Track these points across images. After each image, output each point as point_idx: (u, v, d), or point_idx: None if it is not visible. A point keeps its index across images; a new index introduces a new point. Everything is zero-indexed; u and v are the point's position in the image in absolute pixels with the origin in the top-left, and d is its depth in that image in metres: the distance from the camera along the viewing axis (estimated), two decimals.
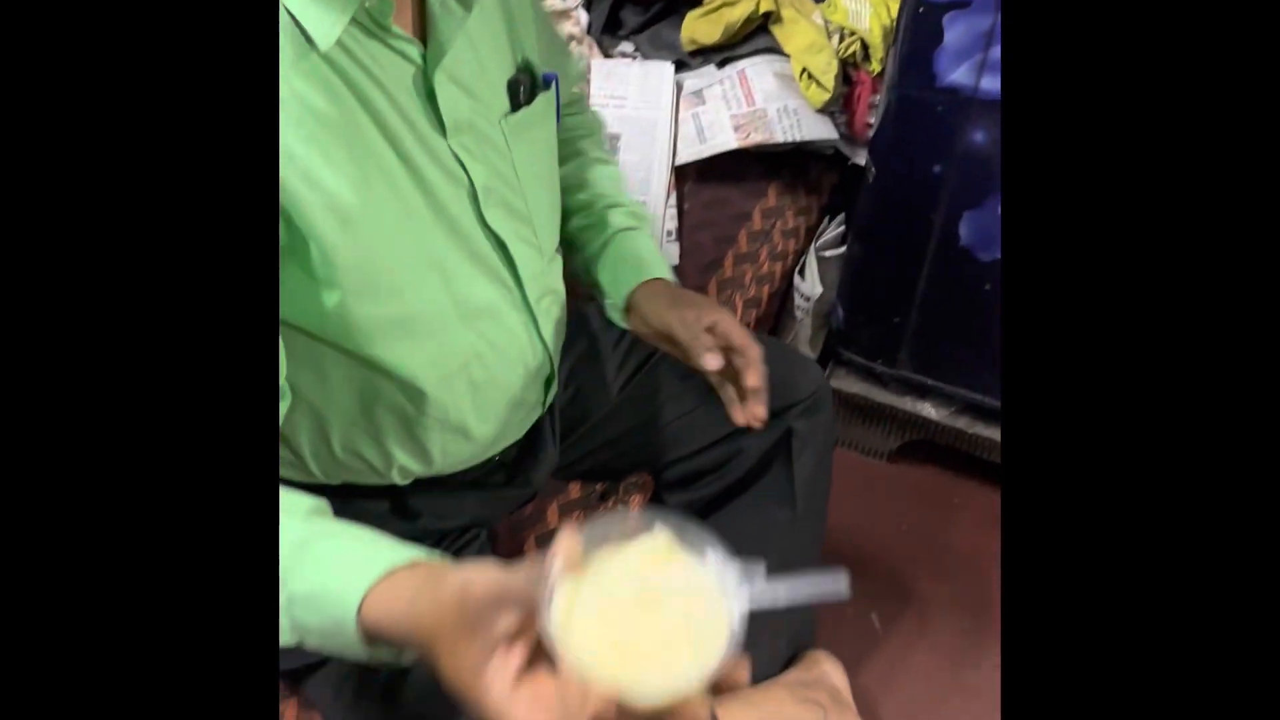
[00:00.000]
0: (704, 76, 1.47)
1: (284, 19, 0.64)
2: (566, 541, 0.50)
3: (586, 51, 1.48)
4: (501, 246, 0.82)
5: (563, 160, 1.00)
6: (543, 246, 0.89)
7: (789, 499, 1.07)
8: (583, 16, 1.53)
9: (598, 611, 0.47)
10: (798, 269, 1.49)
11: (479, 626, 0.49)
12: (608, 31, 1.56)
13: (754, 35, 1.48)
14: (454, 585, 0.52)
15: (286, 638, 0.60)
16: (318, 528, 0.62)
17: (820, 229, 1.51)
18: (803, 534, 1.09)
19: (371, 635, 0.57)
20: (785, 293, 1.49)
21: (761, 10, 1.44)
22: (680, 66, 1.49)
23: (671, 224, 1.38)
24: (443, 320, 0.79)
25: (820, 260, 1.48)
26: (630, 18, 1.56)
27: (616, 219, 1.00)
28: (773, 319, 1.51)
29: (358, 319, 0.73)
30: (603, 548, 0.49)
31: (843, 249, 1.47)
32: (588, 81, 1.44)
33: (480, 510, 0.97)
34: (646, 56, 1.51)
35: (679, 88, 1.46)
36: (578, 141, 1.04)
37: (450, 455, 0.87)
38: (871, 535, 1.53)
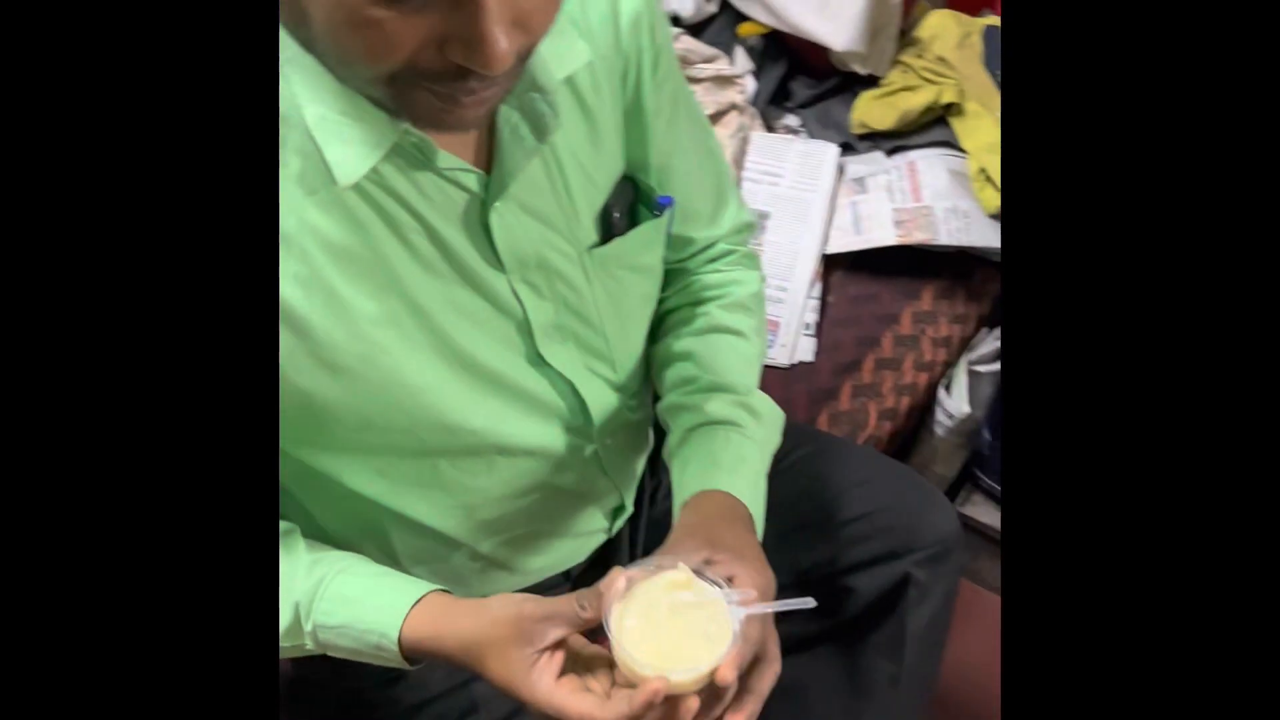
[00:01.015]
0: (870, 163, 1.37)
1: (308, 146, 0.58)
2: (616, 577, 0.62)
3: (748, 122, 1.40)
4: (566, 382, 0.75)
5: (682, 322, 0.85)
6: (623, 383, 0.80)
7: (897, 652, 0.94)
8: (750, 84, 1.45)
9: (641, 622, 0.62)
10: (944, 382, 1.36)
11: (531, 637, 0.61)
12: (774, 103, 1.47)
13: (930, 126, 1.37)
14: (508, 608, 0.62)
15: (310, 649, 0.68)
16: (326, 564, 0.68)
17: (975, 340, 1.38)
18: (907, 693, 0.96)
19: (409, 652, 0.65)
20: (926, 406, 1.37)
21: (943, 100, 1.33)
22: (845, 149, 1.40)
23: (811, 316, 1.28)
24: (470, 463, 0.73)
25: (971, 375, 1.34)
26: (800, 90, 1.47)
27: (714, 407, 0.78)
28: (909, 433, 1.38)
29: (357, 462, 0.69)
30: (641, 583, 0.63)
31: (998, 365, 1.34)
32: (739, 181, 1.36)
33: None
34: (811, 134, 1.42)
35: (841, 171, 1.36)
36: (709, 304, 0.85)
37: (491, 585, 0.81)
38: (987, 678, 1.38)
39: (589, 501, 0.84)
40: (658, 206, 0.78)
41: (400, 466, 0.71)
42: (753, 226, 0.92)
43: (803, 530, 0.95)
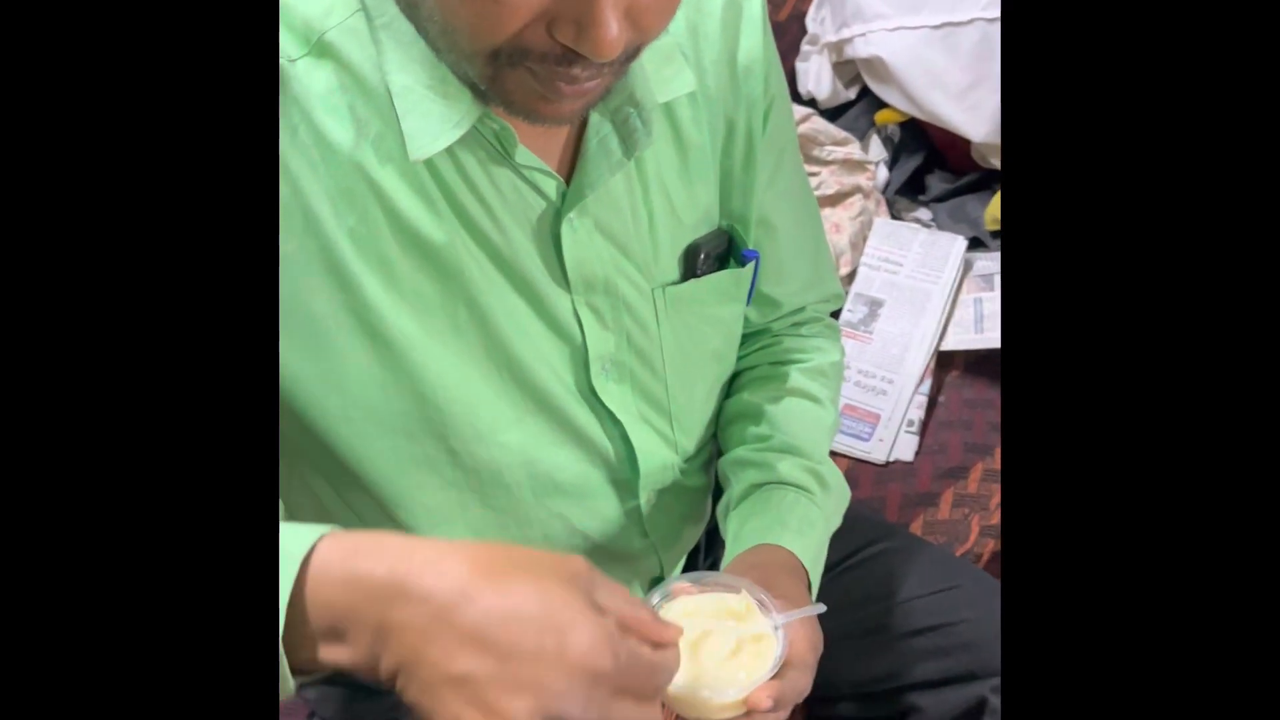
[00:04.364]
0: (999, 261, 1.28)
1: (390, 114, 0.56)
2: (676, 584, 0.60)
3: (872, 207, 1.33)
4: (616, 423, 0.69)
5: (759, 380, 0.81)
6: (677, 442, 0.74)
7: None
8: (881, 173, 1.39)
9: (689, 637, 0.56)
10: None
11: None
12: (907, 194, 1.41)
13: None
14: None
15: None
16: None
17: None
18: None
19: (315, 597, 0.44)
20: None
21: None
22: (975, 245, 1.31)
23: (916, 413, 1.18)
24: (497, 494, 0.67)
25: None
26: (935, 184, 1.40)
27: (786, 468, 0.73)
28: None
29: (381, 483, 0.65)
30: (693, 598, 0.61)
31: None
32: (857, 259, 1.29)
33: None
34: (940, 227, 1.34)
35: (967, 266, 1.27)
36: (789, 366, 0.81)
37: None
38: None
39: (622, 563, 0.76)
40: (744, 260, 0.74)
41: (422, 497, 0.66)
42: (841, 298, 0.88)
43: (867, 635, 0.84)
